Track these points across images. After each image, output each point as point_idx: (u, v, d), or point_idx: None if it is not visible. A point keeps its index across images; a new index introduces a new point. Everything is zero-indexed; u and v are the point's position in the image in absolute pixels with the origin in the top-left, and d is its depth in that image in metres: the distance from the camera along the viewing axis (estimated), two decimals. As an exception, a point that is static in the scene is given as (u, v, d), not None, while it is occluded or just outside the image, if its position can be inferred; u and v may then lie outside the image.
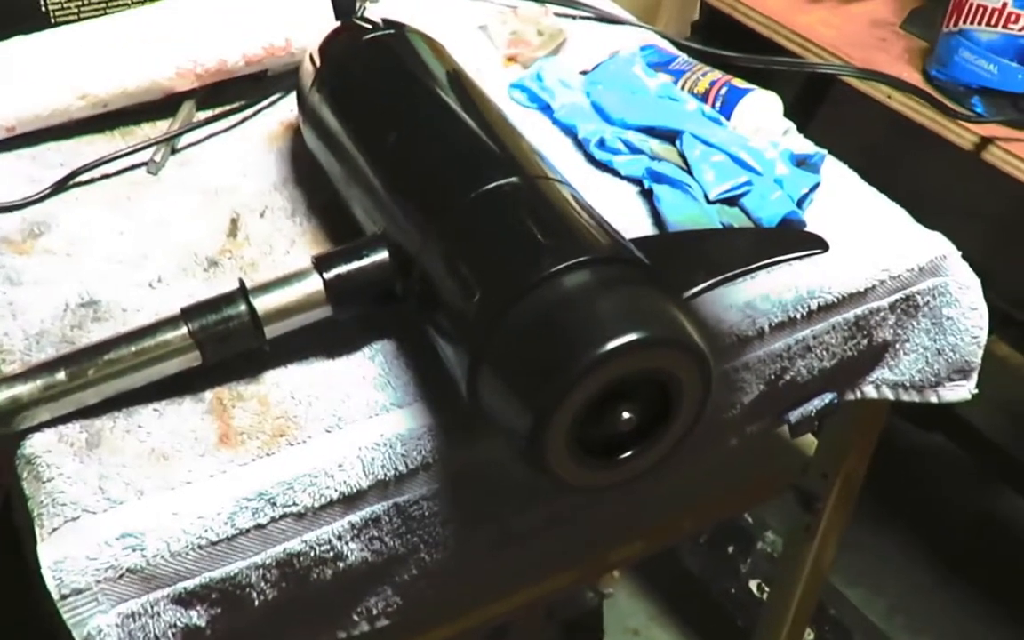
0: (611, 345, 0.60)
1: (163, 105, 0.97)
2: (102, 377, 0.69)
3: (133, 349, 0.70)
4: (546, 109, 1.02)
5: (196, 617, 0.66)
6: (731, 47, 1.34)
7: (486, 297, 0.64)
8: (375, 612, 0.76)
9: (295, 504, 0.67)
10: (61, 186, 0.88)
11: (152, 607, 0.64)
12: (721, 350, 0.80)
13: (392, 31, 0.88)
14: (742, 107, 0.97)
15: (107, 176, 0.91)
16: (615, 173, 0.94)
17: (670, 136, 0.95)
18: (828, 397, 0.91)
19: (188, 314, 0.71)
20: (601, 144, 0.95)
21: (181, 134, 0.94)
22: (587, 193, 0.89)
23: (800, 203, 0.91)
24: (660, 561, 1.75)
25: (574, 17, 1.17)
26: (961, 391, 0.93)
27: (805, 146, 0.96)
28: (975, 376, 0.93)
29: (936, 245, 0.90)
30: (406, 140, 0.78)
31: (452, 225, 0.70)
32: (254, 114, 0.99)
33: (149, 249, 0.83)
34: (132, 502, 0.65)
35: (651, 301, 0.64)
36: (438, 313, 0.69)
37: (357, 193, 0.79)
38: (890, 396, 0.93)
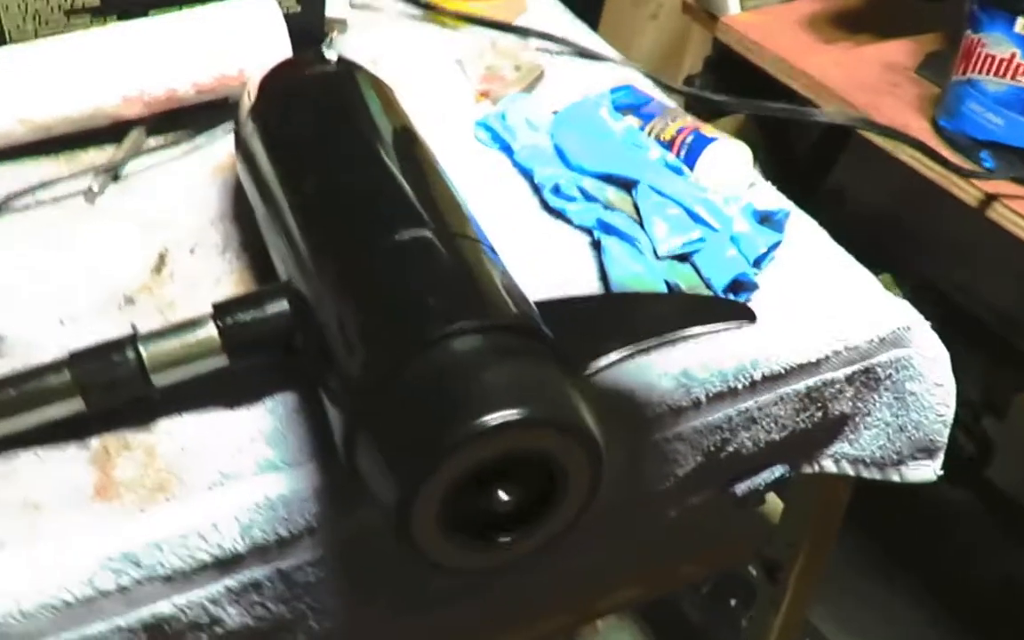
0: (486, 422, 0.56)
1: (114, 130, 0.95)
2: (-20, 419, 0.67)
3: (13, 392, 0.68)
4: (507, 149, 0.98)
5: (54, 679, 0.63)
6: (740, 85, 1.30)
7: (368, 358, 0.61)
8: (263, 679, 0.72)
9: (163, 566, 0.64)
10: (-12, 212, 0.86)
11: (-1, 670, 0.61)
12: (649, 421, 0.75)
13: (336, 70, 0.85)
14: (705, 157, 0.92)
15: (42, 203, 0.89)
16: (569, 221, 0.90)
17: (628, 185, 0.90)
18: (779, 470, 0.85)
19: (74, 359, 0.68)
20: (556, 190, 0.91)
21: (122, 163, 0.92)
22: (538, 240, 0.87)
23: (758, 262, 0.86)
24: (659, 609, 1.70)
25: (554, 53, 1.13)
26: (925, 471, 0.87)
27: (771, 201, 0.91)
28: (941, 456, 0.87)
29: (900, 315, 0.84)
30: (321, 185, 0.74)
31: (348, 278, 0.66)
32: (203, 143, 0.96)
33: (70, 283, 0.81)
34: (-15, 555, 0.63)
35: (540, 376, 0.60)
36: (326, 371, 0.65)
37: (271, 236, 0.76)
38: (850, 472, 0.88)
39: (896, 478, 0.87)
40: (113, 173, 0.91)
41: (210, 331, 0.69)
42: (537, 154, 0.95)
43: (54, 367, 0.68)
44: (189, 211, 0.89)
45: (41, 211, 0.88)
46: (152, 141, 0.96)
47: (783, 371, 0.79)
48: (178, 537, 0.64)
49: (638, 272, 0.82)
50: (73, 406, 0.68)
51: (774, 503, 0.99)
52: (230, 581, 0.66)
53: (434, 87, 1.06)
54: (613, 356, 0.66)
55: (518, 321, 0.62)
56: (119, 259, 0.83)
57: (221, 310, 0.70)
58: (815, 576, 1.00)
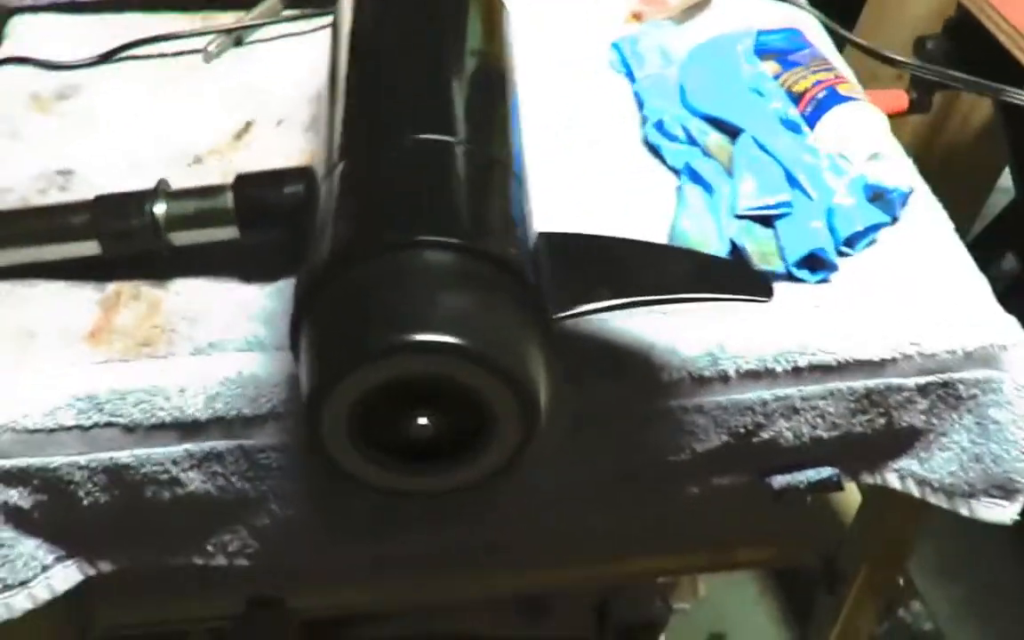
0: (407, 338, 0.54)
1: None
2: (4, 241, 0.71)
3: (38, 223, 0.71)
4: (631, 76, 0.92)
5: (17, 497, 0.67)
6: (986, 58, 1.17)
7: (326, 249, 0.59)
8: (231, 549, 0.73)
9: (122, 416, 0.66)
10: (108, 57, 0.90)
11: (-35, 475, 0.65)
12: (665, 384, 0.70)
13: None
14: (828, 118, 0.83)
15: (165, 55, 0.92)
16: (663, 160, 0.84)
17: (734, 133, 0.83)
18: (826, 472, 0.77)
19: (97, 203, 0.71)
20: (660, 126, 0.85)
21: (247, 29, 0.93)
22: (624, 175, 0.82)
23: (851, 241, 0.77)
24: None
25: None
26: (999, 512, 0.76)
27: (893, 177, 0.81)
28: (1021, 499, 0.76)
29: (997, 331, 0.73)
30: (372, 73, 0.72)
31: (351, 169, 0.64)
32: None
33: (154, 134, 0.84)
34: (-27, 369, 0.66)
35: (488, 310, 0.56)
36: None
37: (324, 115, 0.75)
38: (915, 493, 0.78)
39: (965, 511, 0.77)
40: (236, 37, 0.93)
41: (227, 200, 0.70)
42: (658, 86, 0.89)
43: (78, 208, 0.71)
44: (291, 84, 0.89)
45: (160, 63, 0.91)
46: (289, 12, 0.96)
47: (835, 364, 0.71)
48: (143, 391, 0.66)
49: (700, 227, 0.76)
50: (88, 248, 0.70)
51: (848, 507, 0.90)
52: (191, 445, 0.67)
53: (584, 2, 1.01)
54: (597, 304, 0.61)
55: (488, 249, 0.58)
56: (208, 120, 0.85)
57: (242, 182, 0.70)
58: (880, 594, 0.90)
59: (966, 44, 1.29)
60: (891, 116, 1.10)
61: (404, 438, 0.58)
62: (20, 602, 0.69)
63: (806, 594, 1.36)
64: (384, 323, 0.54)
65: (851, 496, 0.92)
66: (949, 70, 0.99)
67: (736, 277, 0.65)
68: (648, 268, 0.64)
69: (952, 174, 1.49)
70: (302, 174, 0.70)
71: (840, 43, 1.02)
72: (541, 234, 0.64)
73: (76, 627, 0.85)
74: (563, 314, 0.60)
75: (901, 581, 1.05)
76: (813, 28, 1.00)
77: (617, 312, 0.63)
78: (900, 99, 1.15)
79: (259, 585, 0.85)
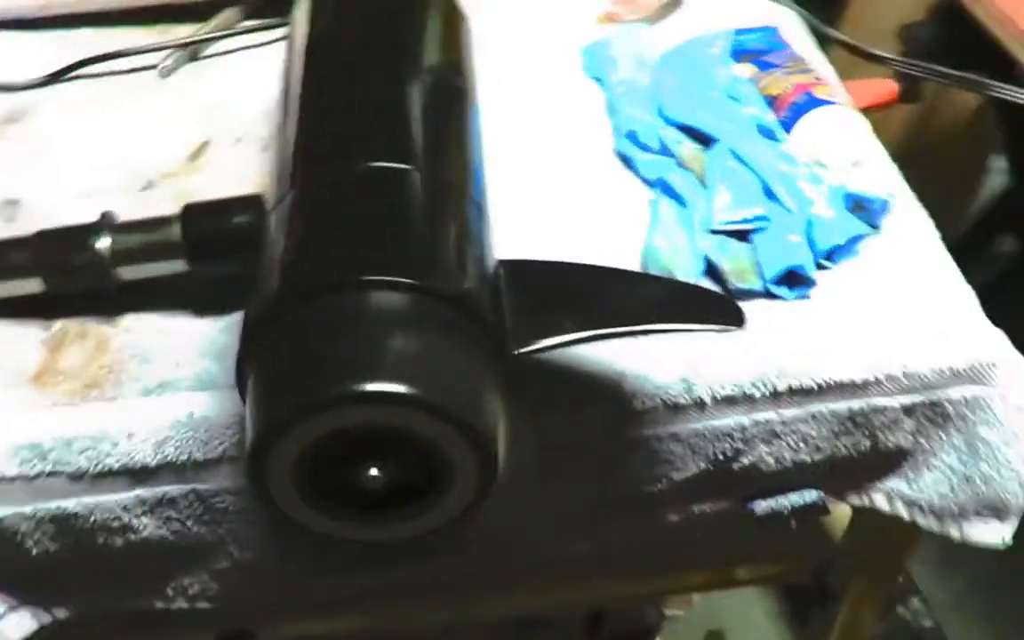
0: (354, 388, 0.51)
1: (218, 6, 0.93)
2: (-56, 280, 0.68)
3: (-20, 261, 0.68)
4: (602, 82, 0.89)
5: (-37, 550, 0.64)
6: (977, 49, 1.14)
7: (272, 287, 0.56)
8: (191, 592, 0.71)
9: (68, 463, 0.63)
10: (58, 75, 0.87)
11: (-96, 529, 0.63)
12: (637, 413, 0.67)
13: None
14: (805, 123, 0.80)
15: (118, 72, 0.89)
16: (636, 172, 0.81)
17: (709, 141, 0.80)
18: (810, 495, 0.74)
19: (39, 238, 0.68)
20: (633, 136, 0.82)
21: (202, 43, 0.90)
22: (595, 189, 0.79)
23: (832, 255, 0.74)
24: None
25: (704, -20, 1.01)
26: (990, 534, 0.74)
27: (874, 185, 0.78)
28: (1014, 520, 0.73)
29: (986, 347, 0.70)
30: (325, 93, 0.69)
31: (301, 198, 0.61)
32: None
33: (107, 157, 0.81)
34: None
35: (442, 355, 0.54)
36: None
37: (277, 137, 0.72)
38: (904, 515, 0.75)
39: (955, 533, 0.74)
40: (193, 52, 0.90)
41: (174, 233, 0.67)
42: (631, 93, 0.86)
43: (19, 243, 0.68)
44: (252, 100, 0.86)
45: (112, 81, 0.88)
46: (247, 22, 0.93)
47: (816, 387, 0.68)
48: (89, 438, 0.63)
49: (673, 244, 0.73)
50: (32, 286, 0.68)
51: (838, 521, 0.88)
52: (142, 491, 0.64)
53: (554, 5, 0.97)
54: (558, 338, 0.58)
55: (440, 287, 0.55)
56: (162, 140, 0.83)
57: (189, 212, 0.67)
58: (872, 611, 0.88)
59: (953, 30, 1.26)
60: (881, 106, 1.08)
61: (355, 487, 0.55)
62: (-30, 655, 0.67)
63: (804, 592, 1.34)
64: (329, 371, 0.52)
65: (841, 510, 0.89)
66: (936, 66, 0.95)
67: (707, 304, 0.62)
68: (613, 297, 0.62)
69: (945, 160, 1.46)
70: (252, 203, 0.67)
71: (822, 39, 0.99)
72: (501, 261, 0.61)
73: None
74: (523, 349, 0.57)
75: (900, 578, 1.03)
76: (792, 24, 0.96)
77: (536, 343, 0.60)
78: (890, 88, 1.12)
79: (229, 619, 0.82)
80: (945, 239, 0.77)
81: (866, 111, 0.87)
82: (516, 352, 0.57)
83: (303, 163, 0.63)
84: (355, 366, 0.52)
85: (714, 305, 0.61)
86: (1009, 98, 0.93)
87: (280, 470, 0.53)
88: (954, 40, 1.22)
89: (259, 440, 0.52)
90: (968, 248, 1.18)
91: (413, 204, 0.60)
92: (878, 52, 0.97)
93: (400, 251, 0.56)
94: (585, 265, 0.62)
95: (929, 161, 1.07)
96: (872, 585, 0.87)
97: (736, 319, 0.60)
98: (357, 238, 0.57)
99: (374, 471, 0.54)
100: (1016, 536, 0.75)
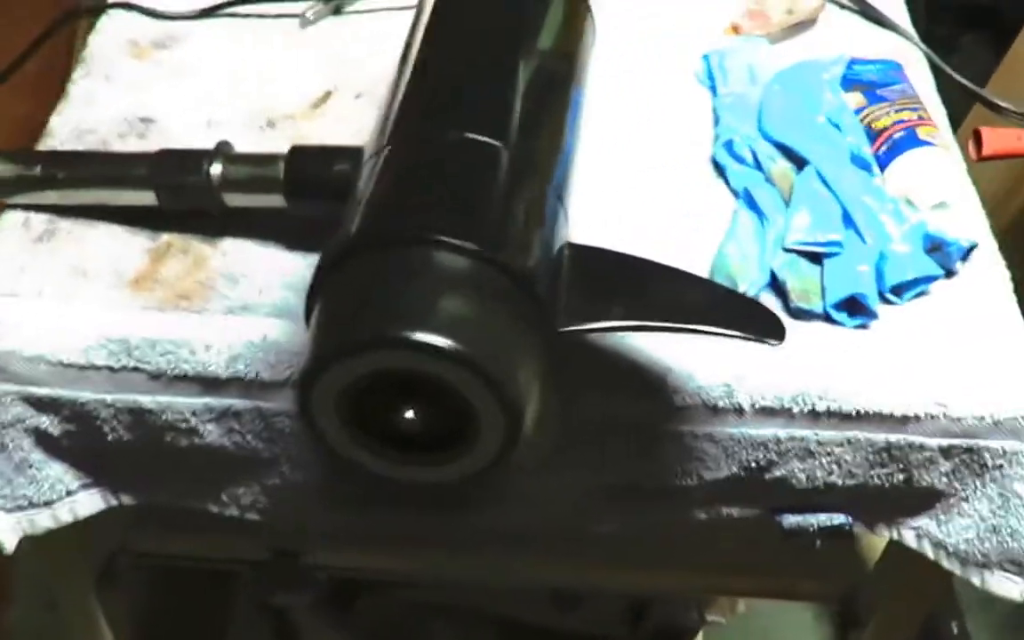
0: (397, 334, 0.55)
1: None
2: (68, 183, 0.75)
3: (102, 169, 0.75)
4: (714, 91, 0.91)
5: (48, 424, 0.71)
6: None
7: (346, 234, 0.61)
8: (243, 502, 0.76)
9: (149, 363, 0.69)
10: (209, 12, 0.93)
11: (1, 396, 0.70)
12: (678, 409, 0.70)
13: None
14: (900, 161, 0.81)
15: (264, 17, 0.95)
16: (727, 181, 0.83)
17: (801, 162, 0.81)
18: (838, 519, 0.76)
19: (159, 157, 0.74)
20: (729, 146, 0.84)
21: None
22: (688, 192, 0.81)
23: (899, 290, 0.75)
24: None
25: (842, 4, 1.02)
26: (1010, 587, 0.74)
27: (955, 229, 0.78)
28: (1034, 580, 0.74)
29: (1031, 403, 0.71)
30: (433, 61, 0.73)
31: (392, 156, 0.65)
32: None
33: (238, 93, 0.87)
34: (25, 296, 0.71)
35: (486, 317, 0.57)
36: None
37: (387, 95, 0.76)
38: (930, 554, 0.76)
39: (976, 581, 0.75)
40: (335, 5, 0.95)
41: (278, 170, 0.72)
42: (737, 104, 0.88)
43: (141, 159, 0.74)
44: (380, 59, 0.90)
45: (257, 23, 0.94)
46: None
47: (855, 413, 0.70)
48: (171, 342, 0.69)
49: (743, 254, 0.75)
50: (147, 199, 0.74)
51: (872, 552, 0.88)
52: (211, 400, 0.70)
53: (686, 9, 1.00)
54: (604, 323, 0.61)
55: (498, 258, 0.59)
56: (290, 85, 0.88)
57: (294, 154, 0.72)
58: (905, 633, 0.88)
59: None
60: (1013, 156, 1.06)
61: (394, 427, 0.60)
62: (43, 520, 0.74)
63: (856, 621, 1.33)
64: (377, 316, 0.56)
65: (875, 539, 0.90)
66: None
67: (751, 314, 0.64)
68: (662, 294, 0.64)
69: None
70: (352, 154, 0.71)
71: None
72: (569, 245, 0.64)
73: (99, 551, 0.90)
74: (570, 328, 0.60)
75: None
76: (915, 63, 0.96)
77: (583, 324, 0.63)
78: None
79: (276, 538, 0.88)
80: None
81: (999, 159, 0.87)
82: (562, 329, 0.60)
83: (402, 123, 0.67)
84: (400, 314, 0.55)
85: (758, 316, 0.63)
86: None
87: (325, 401, 0.57)
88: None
89: (307, 371, 0.57)
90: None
91: (495, 180, 0.63)
92: (1000, 102, 0.96)
93: (470, 218, 0.60)
94: (644, 259, 0.65)
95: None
96: (898, 616, 0.87)
97: (777, 333, 0.62)
98: (435, 199, 0.61)
99: (410, 413, 0.58)
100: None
